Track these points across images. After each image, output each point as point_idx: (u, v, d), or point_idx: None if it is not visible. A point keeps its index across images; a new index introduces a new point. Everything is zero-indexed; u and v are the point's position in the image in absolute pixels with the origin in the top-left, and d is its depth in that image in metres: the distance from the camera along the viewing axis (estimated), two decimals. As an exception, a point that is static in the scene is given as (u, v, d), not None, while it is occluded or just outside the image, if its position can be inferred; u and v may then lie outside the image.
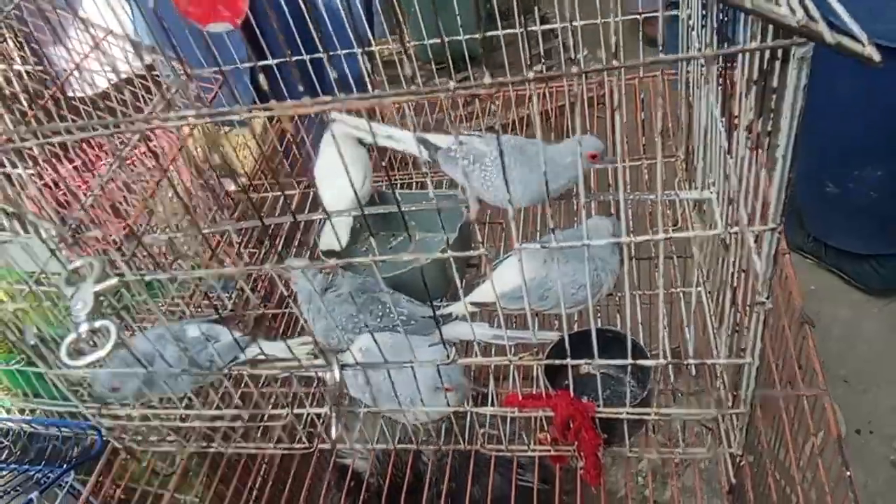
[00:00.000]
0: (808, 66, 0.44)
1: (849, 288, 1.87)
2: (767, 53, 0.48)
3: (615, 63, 0.45)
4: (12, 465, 1.26)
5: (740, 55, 0.55)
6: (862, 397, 1.67)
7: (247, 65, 1.10)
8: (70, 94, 1.21)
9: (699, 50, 0.78)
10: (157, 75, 1.21)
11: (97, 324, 0.66)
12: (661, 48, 0.47)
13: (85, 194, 0.79)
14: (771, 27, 0.49)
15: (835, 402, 1.67)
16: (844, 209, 1.70)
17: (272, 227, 1.20)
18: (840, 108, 1.52)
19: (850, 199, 1.66)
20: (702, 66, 0.80)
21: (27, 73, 1.21)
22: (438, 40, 1.04)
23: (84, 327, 0.65)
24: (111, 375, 0.87)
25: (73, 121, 0.96)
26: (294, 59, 1.07)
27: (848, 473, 0.76)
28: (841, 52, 0.41)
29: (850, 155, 1.60)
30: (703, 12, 0.77)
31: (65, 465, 1.26)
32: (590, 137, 0.86)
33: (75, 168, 1.23)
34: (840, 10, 0.43)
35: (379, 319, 0.89)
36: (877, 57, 0.41)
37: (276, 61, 1.05)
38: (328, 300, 0.88)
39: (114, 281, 0.67)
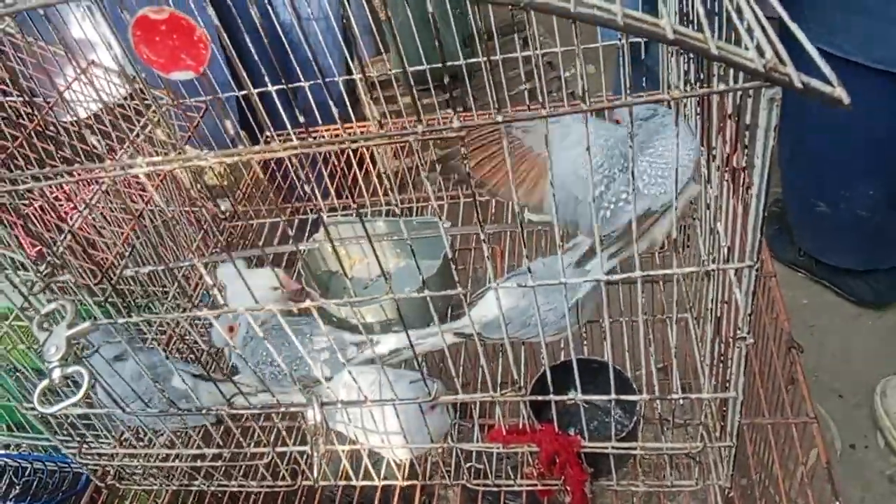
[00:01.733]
0: (777, 107, 0.44)
1: (842, 302, 1.86)
2: (739, 93, 0.48)
3: (583, 106, 0.44)
4: (-3, 501, 1.24)
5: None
6: (857, 411, 1.65)
7: (228, 94, 1.10)
8: (54, 120, 1.21)
9: (676, 86, 0.77)
10: (137, 105, 1.20)
11: (70, 369, 0.64)
12: (626, 90, 0.46)
13: (58, 231, 0.78)
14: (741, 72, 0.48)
15: (829, 417, 1.66)
16: (836, 227, 1.69)
17: (255, 258, 1.19)
18: (833, 128, 1.52)
19: (842, 218, 1.65)
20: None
21: (9, 105, 1.20)
22: (422, 66, 1.04)
23: (56, 373, 0.64)
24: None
25: (53, 151, 0.95)
26: (275, 88, 1.07)
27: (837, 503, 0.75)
28: (810, 95, 0.40)
29: (842, 174, 1.60)
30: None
31: (50, 501, 1.24)
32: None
33: (55, 199, 1.22)
34: (811, 50, 0.42)
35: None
36: (846, 100, 0.40)
37: (256, 91, 1.04)
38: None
39: (87, 325, 0.65)
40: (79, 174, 0.53)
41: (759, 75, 0.39)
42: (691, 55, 0.67)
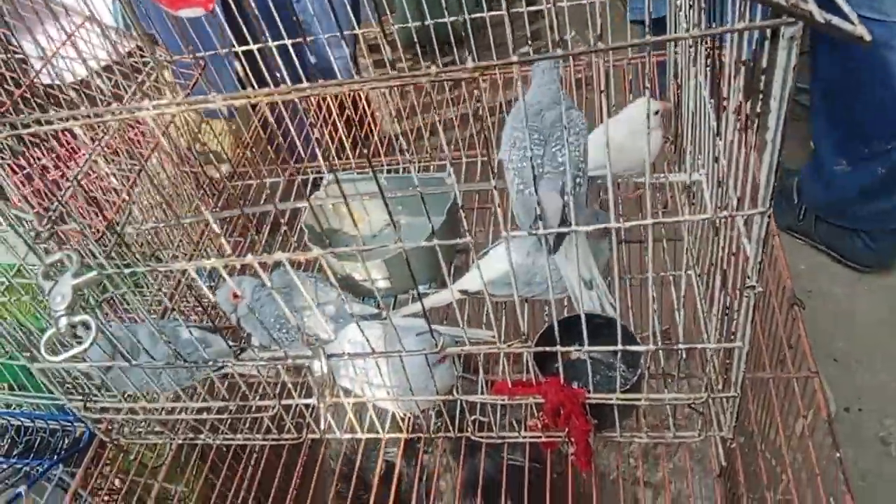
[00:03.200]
0: (797, 47, 0.43)
1: (839, 267, 1.87)
2: (756, 33, 0.47)
3: (601, 45, 0.43)
4: (0, 459, 1.25)
5: (729, 36, 0.54)
6: (852, 375, 1.67)
7: (225, 50, 1.08)
8: (48, 82, 1.19)
9: (687, 31, 0.77)
10: (136, 63, 1.18)
11: (76, 318, 0.64)
12: (647, 29, 0.46)
13: (62, 186, 0.77)
14: (760, 7, 0.47)
15: (825, 381, 1.68)
16: (851, 186, 1.70)
17: (257, 215, 1.19)
18: (858, 83, 1.53)
19: (859, 176, 1.66)
20: (690, 47, 0.79)
21: (3, 61, 1.18)
22: (421, 23, 1.03)
23: (63, 322, 0.64)
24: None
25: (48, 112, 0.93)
26: (274, 44, 1.05)
27: (838, 454, 0.76)
28: (831, 32, 0.40)
29: (872, 131, 1.60)
30: (691, -9, 0.76)
31: (53, 459, 1.25)
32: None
33: (56, 158, 1.21)
34: None
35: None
36: (867, 37, 0.40)
37: (256, 46, 1.03)
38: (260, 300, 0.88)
39: (93, 274, 0.65)
40: (84, 118, 0.52)
41: (781, 10, 0.39)
42: (704, 2, 0.66)
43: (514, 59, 0.46)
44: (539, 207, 0.74)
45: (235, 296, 0.89)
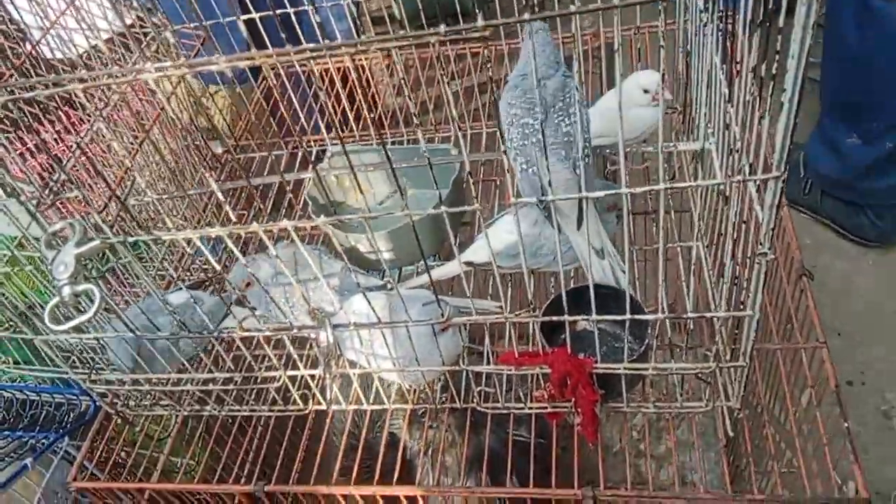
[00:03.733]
0: (816, 2, 0.42)
1: (844, 241, 1.87)
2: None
3: (615, 1, 0.42)
4: (6, 432, 1.25)
5: (744, -5, 0.53)
6: (856, 350, 1.67)
7: (228, 19, 1.06)
8: (49, 55, 1.18)
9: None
10: (138, 34, 1.17)
11: (80, 287, 0.64)
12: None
13: (65, 157, 0.76)
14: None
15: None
16: (860, 161, 1.69)
17: (261, 187, 1.18)
18: (871, 56, 1.51)
19: (868, 151, 1.65)
20: (701, 11, 0.77)
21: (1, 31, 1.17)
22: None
23: (66, 291, 0.64)
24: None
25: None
26: (278, 12, 1.03)
27: (846, 425, 0.76)
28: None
29: (877, 105, 1.59)
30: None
31: (58, 431, 1.25)
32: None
33: (59, 132, 1.20)
34: None
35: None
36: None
37: (259, 14, 1.02)
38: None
39: (96, 243, 0.65)
40: (84, 82, 0.51)
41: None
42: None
43: (526, 16, 0.45)
44: (548, 182, 0.73)
45: (248, 284, 0.89)
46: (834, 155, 1.75)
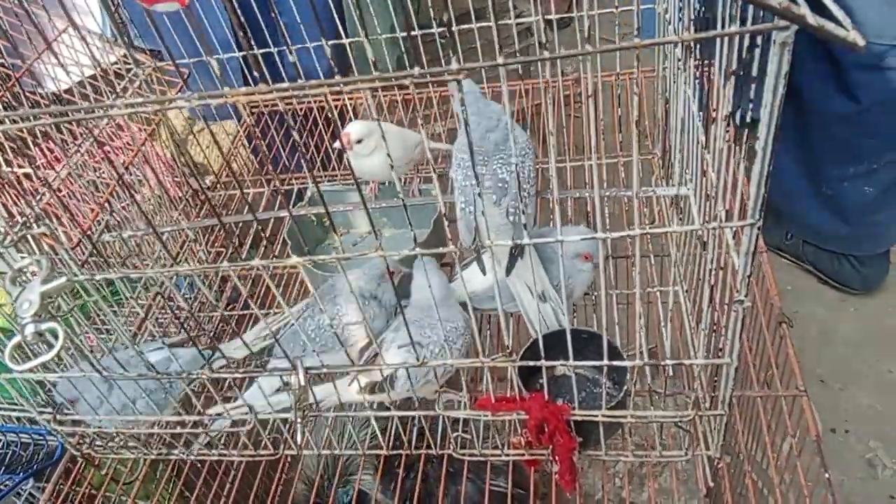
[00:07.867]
0: (789, 53, 0.42)
1: (825, 288, 1.87)
2: (747, 40, 0.46)
3: (588, 48, 0.42)
4: (-31, 473, 1.21)
5: (718, 43, 0.53)
6: (838, 396, 1.66)
7: (216, 56, 1.06)
8: (31, 91, 1.17)
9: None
10: (120, 70, 1.16)
11: (43, 326, 0.62)
12: (636, 32, 0.45)
13: (37, 192, 0.75)
14: (750, 15, 0.47)
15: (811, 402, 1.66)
16: (836, 210, 1.70)
17: (240, 225, 1.17)
18: (842, 108, 1.53)
19: (844, 200, 1.67)
20: (678, 60, 0.78)
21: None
22: (405, 33, 1.02)
23: (30, 329, 0.62)
24: (67, 385, 0.83)
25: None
26: (260, 52, 1.04)
27: (827, 475, 0.75)
28: (824, 36, 0.39)
29: (847, 156, 1.61)
30: (680, 4, 0.75)
31: (25, 472, 1.21)
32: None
33: (35, 167, 1.18)
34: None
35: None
36: (861, 42, 0.39)
37: (240, 54, 1.02)
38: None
39: (62, 280, 0.63)
40: (57, 115, 0.50)
41: (774, 12, 0.38)
42: (692, 13, 0.66)
43: (500, 60, 0.44)
44: (481, 223, 0.75)
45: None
46: (812, 203, 1.76)
